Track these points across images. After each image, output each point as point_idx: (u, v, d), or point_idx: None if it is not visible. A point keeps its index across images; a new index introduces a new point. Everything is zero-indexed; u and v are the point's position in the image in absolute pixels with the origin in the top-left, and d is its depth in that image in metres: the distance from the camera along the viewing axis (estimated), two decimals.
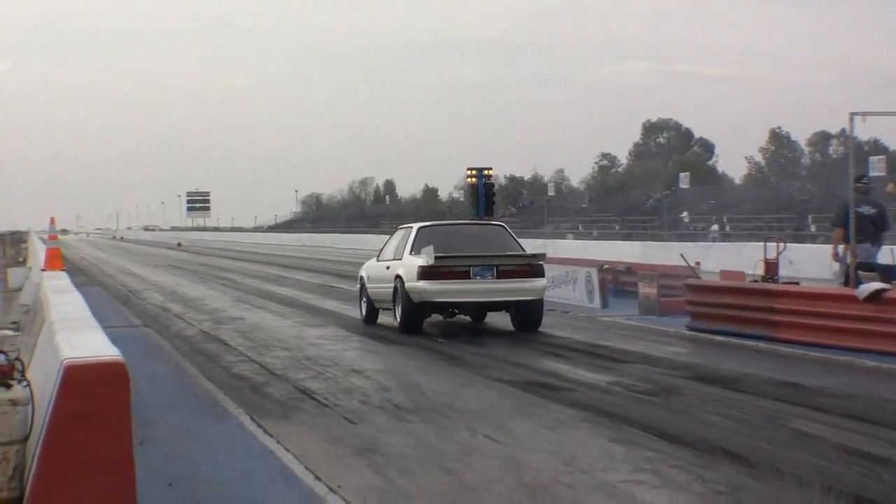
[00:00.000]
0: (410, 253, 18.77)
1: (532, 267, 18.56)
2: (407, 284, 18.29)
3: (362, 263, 21.96)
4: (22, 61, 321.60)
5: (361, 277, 20.92)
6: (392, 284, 18.84)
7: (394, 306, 18.88)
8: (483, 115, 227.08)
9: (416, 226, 19.87)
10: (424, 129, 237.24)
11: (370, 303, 20.39)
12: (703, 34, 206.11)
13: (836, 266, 18.27)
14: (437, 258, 18.04)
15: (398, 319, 18.67)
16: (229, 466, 8.70)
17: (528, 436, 9.84)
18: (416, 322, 18.59)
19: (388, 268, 19.34)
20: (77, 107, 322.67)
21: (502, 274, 18.27)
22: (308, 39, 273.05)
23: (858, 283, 15.92)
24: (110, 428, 6.06)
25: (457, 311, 19.06)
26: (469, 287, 18.22)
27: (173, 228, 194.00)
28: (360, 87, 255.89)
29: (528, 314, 18.69)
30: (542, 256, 19.20)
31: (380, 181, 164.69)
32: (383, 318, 20.12)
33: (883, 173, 65.32)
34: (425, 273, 18.09)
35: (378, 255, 20.60)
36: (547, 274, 19.51)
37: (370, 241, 70.34)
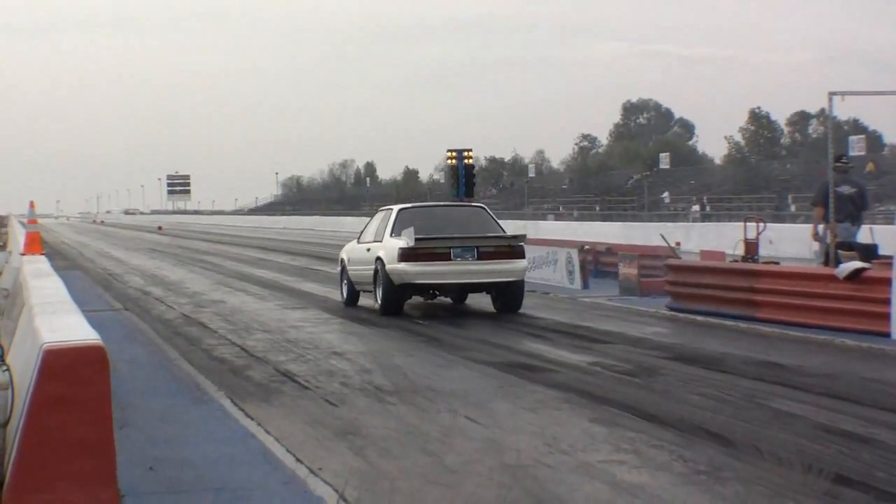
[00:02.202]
0: (391, 235, 18.73)
1: (513, 248, 18.55)
2: (387, 266, 18.27)
3: (343, 246, 21.92)
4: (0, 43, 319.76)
5: (342, 260, 20.88)
6: (373, 266, 18.81)
7: (374, 288, 18.85)
8: (463, 96, 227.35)
9: (396, 208, 19.84)
10: (405, 111, 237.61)
11: (351, 285, 20.37)
12: (683, 14, 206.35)
13: (816, 245, 18.33)
14: (417, 240, 18.01)
15: (379, 301, 18.65)
16: (210, 450, 8.68)
17: (508, 417, 9.85)
18: (397, 304, 18.57)
19: (368, 250, 19.32)
20: (56, 90, 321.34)
21: (483, 255, 18.25)
22: (289, 22, 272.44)
23: (838, 262, 15.96)
24: (90, 412, 6.05)
25: (437, 292, 19.05)
26: (450, 268, 18.20)
27: (153, 212, 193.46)
28: (341, 70, 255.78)
29: (508, 295, 18.70)
30: (522, 238, 19.19)
31: (360, 163, 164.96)
32: (364, 301, 20.09)
33: (862, 153, 65.68)
34: (406, 255, 18.06)
35: (358, 238, 20.56)
36: (528, 255, 19.51)
37: (350, 223, 70.35)
